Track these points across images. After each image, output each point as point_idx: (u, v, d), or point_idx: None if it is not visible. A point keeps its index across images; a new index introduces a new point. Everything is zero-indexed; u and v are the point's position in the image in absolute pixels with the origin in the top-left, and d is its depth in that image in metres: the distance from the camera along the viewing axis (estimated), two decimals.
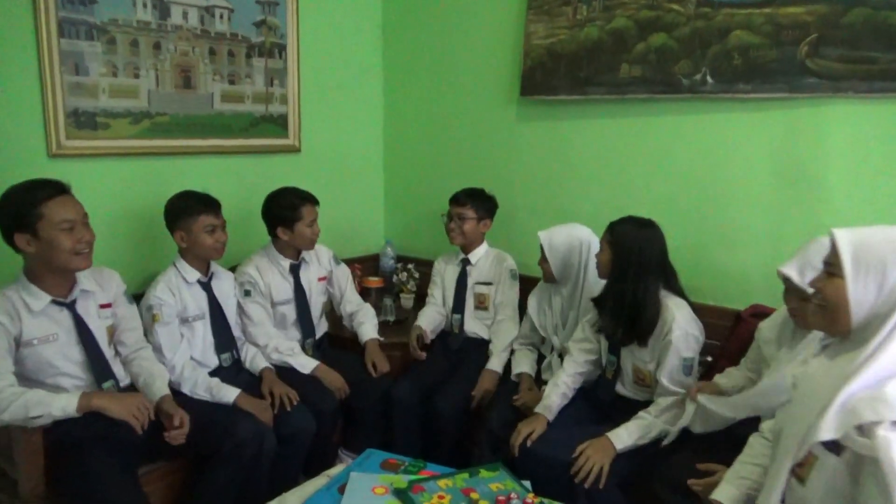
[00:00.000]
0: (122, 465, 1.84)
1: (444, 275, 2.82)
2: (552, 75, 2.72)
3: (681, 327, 1.96)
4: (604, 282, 2.21)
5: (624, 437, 1.94)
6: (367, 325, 2.68)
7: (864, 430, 1.15)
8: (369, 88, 3.38)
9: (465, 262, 2.76)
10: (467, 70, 3.08)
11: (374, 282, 3.21)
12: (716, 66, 2.31)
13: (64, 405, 1.71)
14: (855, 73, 2.06)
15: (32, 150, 2.20)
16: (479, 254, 2.75)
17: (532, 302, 2.57)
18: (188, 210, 2.18)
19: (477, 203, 2.65)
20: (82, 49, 2.26)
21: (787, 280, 1.74)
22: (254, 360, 2.40)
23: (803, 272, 1.66)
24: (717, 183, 2.41)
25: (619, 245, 2.03)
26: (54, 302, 1.85)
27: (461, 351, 2.62)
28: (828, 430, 1.18)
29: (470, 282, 2.74)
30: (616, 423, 2.01)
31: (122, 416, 1.77)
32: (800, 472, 1.26)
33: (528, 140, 2.92)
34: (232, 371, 2.33)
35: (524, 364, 2.48)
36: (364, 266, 3.26)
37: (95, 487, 1.74)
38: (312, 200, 2.50)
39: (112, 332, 2.02)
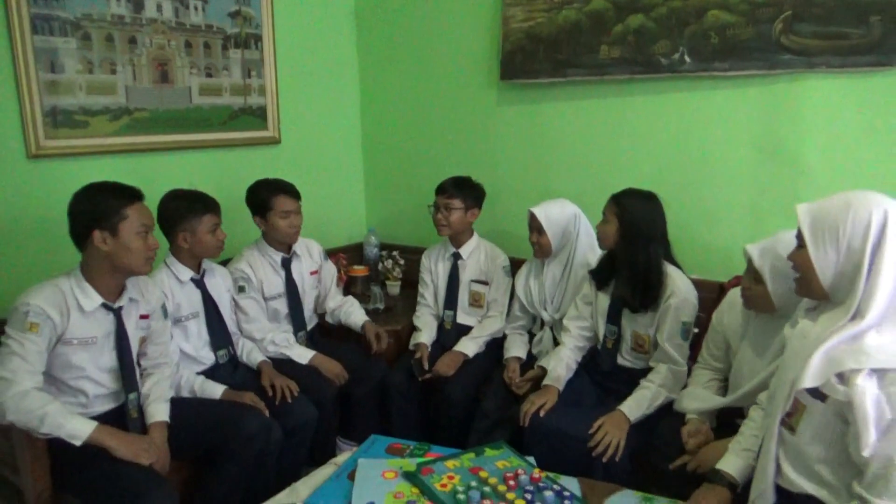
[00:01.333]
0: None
1: (435, 269, 2.78)
2: (532, 58, 2.74)
3: (682, 293, 2.06)
4: (598, 254, 2.27)
5: (635, 408, 2.01)
6: (358, 312, 2.70)
7: (844, 377, 1.26)
8: (345, 76, 3.36)
9: (456, 256, 2.73)
10: (445, 55, 3.08)
11: (359, 270, 3.22)
12: (693, 46, 2.37)
13: (74, 433, 1.70)
14: (828, 49, 2.14)
15: (11, 151, 2.15)
16: (471, 247, 2.73)
17: (519, 281, 2.59)
18: (192, 211, 2.15)
19: (464, 192, 2.63)
20: (57, 45, 2.20)
21: (749, 260, 1.79)
22: (250, 353, 2.39)
23: (764, 255, 1.72)
24: (698, 160, 2.48)
25: (629, 216, 2.09)
26: (104, 305, 1.84)
27: (455, 343, 2.62)
28: (811, 378, 1.28)
29: (464, 277, 2.72)
30: (617, 394, 2.07)
31: (128, 457, 1.75)
32: (790, 421, 1.36)
33: (509, 124, 2.94)
34: (229, 367, 2.32)
35: (514, 349, 2.52)
36: (348, 255, 3.26)
37: (106, 476, 1.73)
38: (287, 191, 2.47)
39: (142, 342, 2.00)
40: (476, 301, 2.71)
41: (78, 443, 1.70)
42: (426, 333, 2.66)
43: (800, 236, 1.37)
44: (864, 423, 1.21)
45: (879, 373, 1.23)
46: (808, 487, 1.34)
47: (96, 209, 1.77)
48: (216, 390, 2.16)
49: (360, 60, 3.39)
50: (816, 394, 1.30)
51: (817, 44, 2.15)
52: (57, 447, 1.77)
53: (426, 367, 2.51)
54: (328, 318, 2.76)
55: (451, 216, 2.62)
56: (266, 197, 2.44)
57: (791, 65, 2.21)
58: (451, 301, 2.73)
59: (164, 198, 2.17)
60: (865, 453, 1.22)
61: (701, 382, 1.99)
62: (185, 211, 2.14)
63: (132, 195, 1.83)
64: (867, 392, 1.22)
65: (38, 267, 2.19)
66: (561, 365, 2.23)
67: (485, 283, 2.71)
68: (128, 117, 2.43)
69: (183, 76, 2.59)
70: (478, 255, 2.73)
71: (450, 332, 2.71)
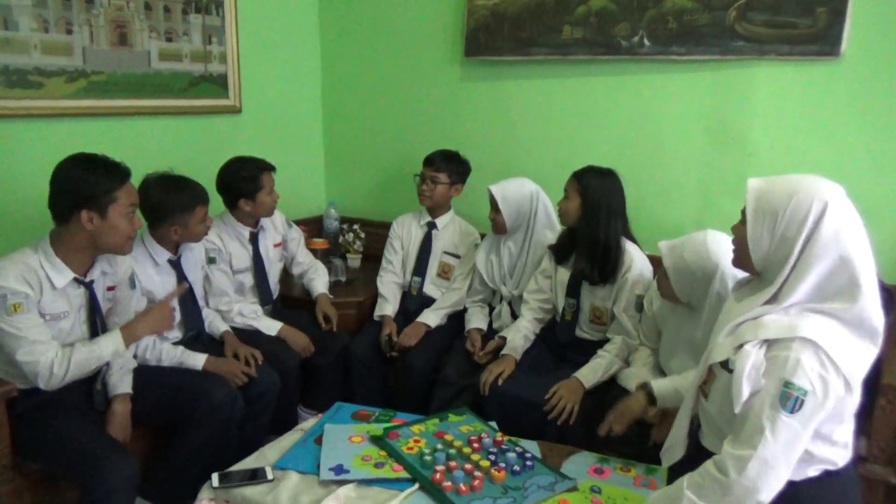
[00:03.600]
0: (90, 421, 1.86)
1: (408, 235, 2.81)
2: (496, 36, 2.78)
3: (638, 268, 2.16)
4: (558, 229, 2.35)
5: (590, 376, 2.10)
6: (318, 281, 2.72)
7: (742, 348, 1.33)
8: (306, 47, 3.32)
9: (431, 225, 2.77)
10: (409, 31, 3.08)
11: (319, 243, 3.21)
12: (652, 30, 2.45)
13: (113, 351, 1.83)
14: (777, 37, 2.26)
15: None
16: (445, 220, 2.78)
17: (480, 256, 2.64)
18: (185, 207, 2.13)
19: (451, 167, 2.67)
20: (10, 2, 2.12)
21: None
22: (213, 323, 2.38)
23: (672, 253, 1.83)
24: (653, 140, 2.58)
25: (591, 193, 2.17)
26: (75, 280, 1.81)
27: (418, 312, 2.68)
28: (719, 352, 1.38)
29: (436, 247, 2.76)
30: (573, 363, 2.16)
31: (157, 333, 1.93)
32: (704, 388, 1.46)
33: (472, 100, 2.98)
34: (190, 339, 2.30)
35: (475, 320, 2.59)
36: (308, 228, 3.25)
37: (66, 443, 1.74)
38: (270, 168, 2.48)
39: (106, 314, 1.97)
40: (445, 272, 2.77)
41: (125, 352, 1.90)
42: (391, 305, 2.70)
43: (744, 211, 1.38)
44: (739, 382, 1.28)
45: (770, 342, 1.29)
46: (718, 448, 1.41)
47: (86, 189, 1.72)
48: (199, 361, 2.16)
49: (321, 32, 3.35)
50: (725, 366, 1.37)
51: (768, 32, 2.26)
52: (17, 414, 1.76)
53: (395, 340, 2.56)
54: (296, 281, 2.79)
55: (436, 189, 2.67)
56: (255, 176, 2.43)
57: (743, 51, 2.32)
58: (420, 268, 2.77)
59: (149, 184, 2.10)
60: (737, 410, 1.30)
61: (640, 362, 2.09)
62: (176, 206, 2.12)
63: (123, 175, 1.79)
64: (751, 356, 1.28)
65: None
66: (519, 336, 2.31)
67: (456, 255, 2.77)
68: (85, 80, 2.35)
69: (142, 39, 2.53)
70: (452, 228, 2.79)
71: (414, 298, 2.76)
